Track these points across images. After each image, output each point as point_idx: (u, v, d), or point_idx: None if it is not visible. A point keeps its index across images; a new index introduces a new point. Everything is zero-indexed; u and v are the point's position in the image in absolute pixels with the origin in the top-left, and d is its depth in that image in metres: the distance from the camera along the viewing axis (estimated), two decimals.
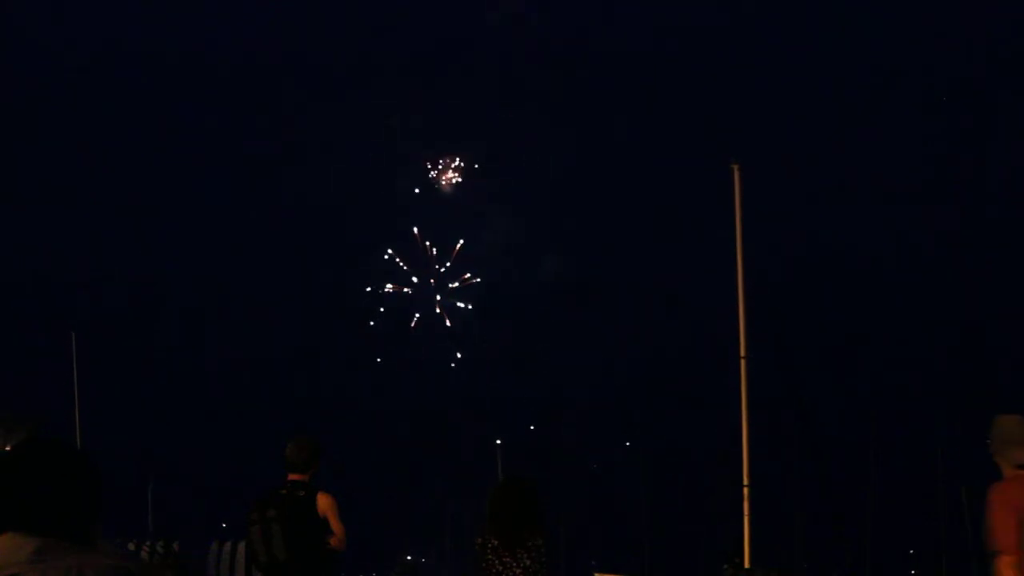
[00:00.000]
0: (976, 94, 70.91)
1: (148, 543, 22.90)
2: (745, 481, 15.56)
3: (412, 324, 79.03)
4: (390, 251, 79.40)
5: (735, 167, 16.08)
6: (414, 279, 79.37)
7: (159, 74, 74.03)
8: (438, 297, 79.53)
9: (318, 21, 77.29)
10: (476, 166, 79.98)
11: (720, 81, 72.22)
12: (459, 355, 77.53)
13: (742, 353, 15.60)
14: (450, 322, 78.99)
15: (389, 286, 79.23)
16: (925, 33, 70.57)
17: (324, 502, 9.34)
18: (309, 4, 78.53)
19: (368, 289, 79.55)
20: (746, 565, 15.52)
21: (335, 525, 9.33)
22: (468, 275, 78.42)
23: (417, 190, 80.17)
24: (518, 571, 8.45)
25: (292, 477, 9.48)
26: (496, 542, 8.51)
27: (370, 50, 76.60)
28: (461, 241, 77.59)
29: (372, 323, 78.83)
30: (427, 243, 78.56)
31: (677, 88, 72.64)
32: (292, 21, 77.82)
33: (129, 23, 74.02)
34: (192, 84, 74.02)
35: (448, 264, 78.94)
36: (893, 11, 71.32)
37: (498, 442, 50.00)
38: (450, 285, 78.38)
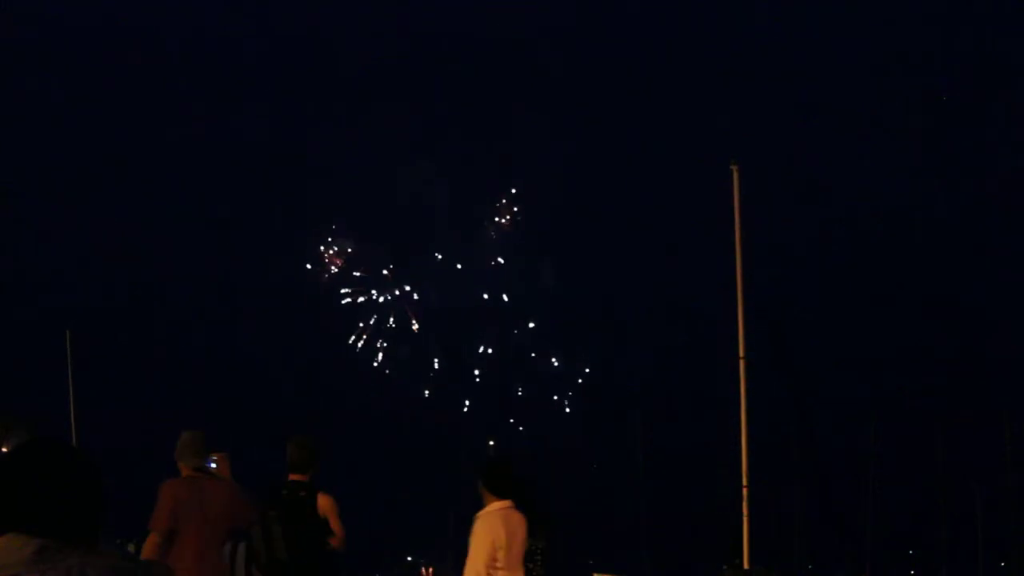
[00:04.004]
0: (976, 94, 70.90)
1: None
2: (745, 481, 15.55)
3: (414, 328, 79.01)
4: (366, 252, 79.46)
5: (735, 168, 16.06)
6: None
7: (158, 73, 74.03)
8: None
9: (328, 25, 77.33)
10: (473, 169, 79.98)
11: (720, 82, 72.22)
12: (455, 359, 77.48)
13: (742, 354, 15.59)
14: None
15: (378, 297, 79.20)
16: (925, 33, 70.55)
17: (324, 503, 9.34)
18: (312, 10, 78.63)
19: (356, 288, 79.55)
20: (745, 565, 15.52)
21: (335, 526, 9.33)
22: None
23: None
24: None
25: (293, 477, 9.49)
26: None
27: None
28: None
29: (370, 323, 78.87)
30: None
31: (677, 89, 72.63)
32: (289, 22, 77.90)
33: (128, 25, 74.04)
34: (193, 85, 74.03)
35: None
36: (894, 11, 71.31)
37: (491, 443, 50.00)
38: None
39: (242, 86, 74.62)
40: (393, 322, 78.51)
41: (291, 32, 76.94)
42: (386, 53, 78.13)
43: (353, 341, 76.99)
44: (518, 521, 8.09)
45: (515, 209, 77.61)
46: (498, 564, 7.85)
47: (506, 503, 8.06)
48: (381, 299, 78.36)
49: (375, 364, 78.56)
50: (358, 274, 78.19)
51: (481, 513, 8.04)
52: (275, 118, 75.15)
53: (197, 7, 75.78)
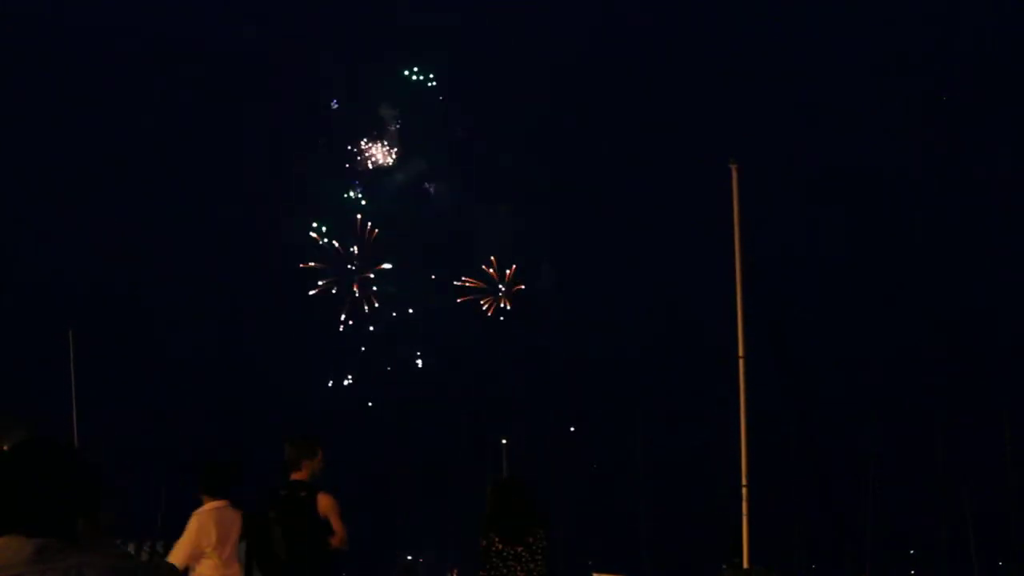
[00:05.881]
0: (976, 94, 70.88)
1: (148, 543, 22.90)
2: (744, 481, 15.55)
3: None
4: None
5: (734, 167, 16.05)
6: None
7: (156, 75, 74.02)
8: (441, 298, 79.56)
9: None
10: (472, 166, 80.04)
11: (719, 81, 72.21)
12: (469, 356, 77.45)
13: (741, 353, 15.59)
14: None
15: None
16: (925, 32, 70.55)
17: (325, 502, 9.33)
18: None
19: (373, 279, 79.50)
20: (745, 565, 15.53)
21: (336, 525, 9.32)
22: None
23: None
24: (521, 573, 8.49)
25: (293, 477, 9.49)
26: (500, 545, 8.55)
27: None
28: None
29: (374, 323, 78.85)
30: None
31: (677, 88, 72.62)
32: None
33: (127, 25, 74.03)
34: (189, 86, 74.03)
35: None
36: (894, 10, 71.31)
37: (504, 441, 50.00)
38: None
39: (242, 87, 74.62)
40: (389, 346, 78.62)
41: (291, 33, 76.99)
42: (384, 60, 78.17)
43: (338, 377, 77.07)
44: (232, 519, 8.83)
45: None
46: (210, 559, 8.60)
47: (221, 503, 8.78)
48: (371, 308, 78.45)
49: (376, 360, 78.56)
50: (356, 288, 78.29)
51: (197, 511, 8.75)
52: (275, 118, 75.14)
53: (198, 7, 75.80)
